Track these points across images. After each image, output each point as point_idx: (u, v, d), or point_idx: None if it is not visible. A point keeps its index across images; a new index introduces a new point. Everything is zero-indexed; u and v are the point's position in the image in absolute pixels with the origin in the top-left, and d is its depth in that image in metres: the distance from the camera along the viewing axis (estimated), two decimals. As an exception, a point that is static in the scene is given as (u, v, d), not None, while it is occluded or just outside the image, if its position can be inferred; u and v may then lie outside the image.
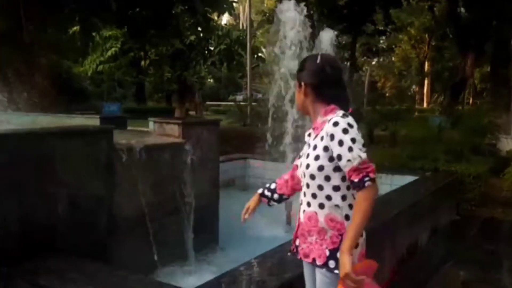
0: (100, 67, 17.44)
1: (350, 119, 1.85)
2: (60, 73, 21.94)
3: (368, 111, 12.67)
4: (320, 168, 1.88)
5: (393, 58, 41.01)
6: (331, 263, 1.87)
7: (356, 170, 1.78)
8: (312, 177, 1.92)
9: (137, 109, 19.93)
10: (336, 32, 6.75)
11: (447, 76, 32.78)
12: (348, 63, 20.53)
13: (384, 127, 11.49)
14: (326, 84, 1.95)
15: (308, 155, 1.95)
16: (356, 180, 1.78)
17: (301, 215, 2.01)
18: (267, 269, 2.75)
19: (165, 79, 21.52)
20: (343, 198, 1.90)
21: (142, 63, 16.66)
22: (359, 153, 1.78)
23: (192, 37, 16.21)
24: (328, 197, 1.89)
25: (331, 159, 1.86)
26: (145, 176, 3.57)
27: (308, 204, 1.96)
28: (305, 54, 6.99)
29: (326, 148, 1.86)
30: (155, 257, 3.66)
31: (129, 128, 5.26)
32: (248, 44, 14.38)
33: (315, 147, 1.92)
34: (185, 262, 4.08)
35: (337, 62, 2.06)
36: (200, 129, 4.21)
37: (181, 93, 20.38)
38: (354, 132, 1.81)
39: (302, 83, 1.98)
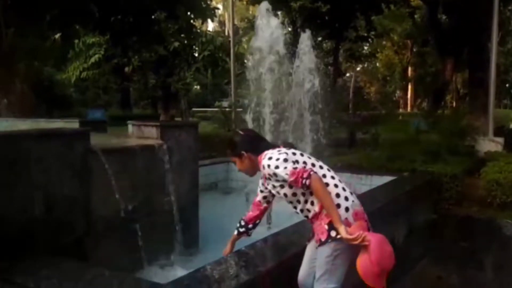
0: (84, 74, 17.35)
1: (268, 155, 2.47)
2: (42, 80, 21.77)
3: (350, 115, 12.85)
4: (286, 195, 2.54)
5: (377, 64, 41.49)
6: (332, 233, 2.37)
7: (295, 182, 2.37)
8: (291, 200, 2.57)
9: (122, 116, 19.84)
10: (310, 35, 6.85)
11: (429, 81, 33.28)
12: (332, 68, 20.79)
13: (365, 130, 11.66)
14: (256, 143, 2.63)
15: (273, 189, 2.62)
16: (300, 186, 2.38)
17: (308, 216, 2.57)
18: (242, 263, 2.82)
19: (150, 85, 21.49)
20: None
21: (126, 69, 16.60)
22: (285, 172, 2.38)
23: (176, 44, 16.26)
24: (305, 196, 2.51)
25: (288, 185, 2.49)
26: (123, 177, 3.61)
27: (307, 212, 2.55)
28: (284, 58, 7.15)
29: (281, 185, 2.52)
30: (134, 258, 3.70)
31: (109, 132, 5.29)
32: (232, 51, 14.45)
33: (274, 186, 2.57)
34: (166, 263, 4.12)
35: (247, 129, 2.99)
36: (178, 131, 4.27)
37: (166, 99, 20.36)
38: (273, 162, 2.43)
39: (243, 153, 2.60)
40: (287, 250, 3.10)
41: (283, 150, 2.53)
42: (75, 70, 17.60)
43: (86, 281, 2.42)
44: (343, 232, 2.30)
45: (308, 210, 2.52)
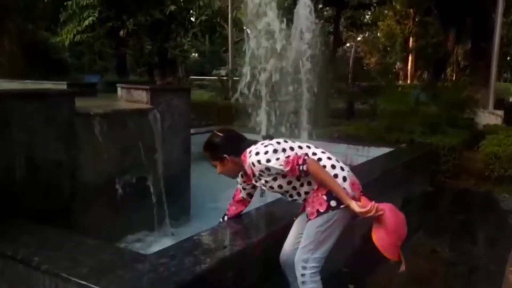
0: (78, 37, 16.84)
1: (255, 152, 2.32)
2: (37, 42, 21.21)
3: (349, 86, 12.62)
4: (281, 186, 2.40)
5: (378, 34, 40.79)
6: (332, 202, 2.29)
7: (291, 171, 2.25)
8: (286, 190, 2.44)
9: (119, 82, 19.39)
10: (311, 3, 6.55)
11: (430, 52, 32.81)
12: (332, 37, 20.35)
13: (364, 101, 11.49)
14: (237, 143, 2.45)
15: (265, 184, 2.44)
16: (298, 174, 2.27)
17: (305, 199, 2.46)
18: (232, 233, 2.72)
19: (146, 51, 21.00)
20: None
21: (121, 33, 16.12)
22: (278, 164, 2.24)
23: (172, 7, 15.74)
24: (308, 183, 2.39)
25: (281, 176, 2.35)
26: (110, 141, 3.47)
27: (306, 193, 2.42)
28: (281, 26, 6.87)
29: (275, 178, 2.36)
30: (121, 225, 3.60)
31: (99, 96, 5.11)
32: (229, 16, 14.03)
33: (267, 181, 2.39)
34: (153, 231, 4.03)
35: (226, 128, 2.68)
36: (169, 96, 4.10)
37: (162, 66, 19.94)
38: (263, 157, 2.27)
39: (225, 156, 2.42)
40: (280, 220, 3.00)
41: (267, 142, 2.38)
42: (69, 33, 17.03)
43: (66, 249, 2.31)
44: (355, 206, 2.23)
45: (306, 193, 2.41)
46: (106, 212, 3.52)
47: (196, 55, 40.96)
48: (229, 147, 2.44)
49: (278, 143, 2.38)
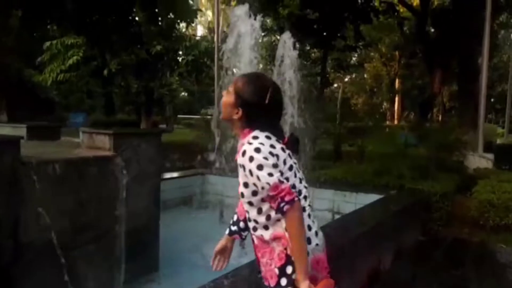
0: (61, 76, 16.56)
1: (259, 141, 1.77)
2: (23, 80, 20.90)
3: (336, 126, 12.39)
4: (242, 195, 1.85)
5: (365, 75, 41.50)
6: (283, 281, 1.81)
7: (271, 197, 1.73)
8: (250, 203, 1.86)
9: (106, 122, 19.08)
10: (294, 39, 6.36)
11: (416, 93, 33.30)
12: (319, 78, 20.44)
13: (351, 142, 11.22)
14: (264, 113, 1.83)
15: (239, 180, 1.86)
16: (275, 207, 1.74)
17: (254, 240, 1.93)
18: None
19: (134, 90, 20.83)
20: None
21: (105, 72, 15.89)
22: (267, 180, 1.71)
23: (158, 47, 15.65)
24: (268, 217, 1.84)
25: (254, 192, 1.81)
26: (60, 194, 3.04)
27: (254, 229, 1.89)
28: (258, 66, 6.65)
29: (245, 184, 1.82)
30: (73, 290, 3.12)
31: (62, 140, 4.71)
32: (216, 56, 13.92)
33: (239, 176, 1.85)
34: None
35: (274, 84, 1.90)
36: (136, 141, 3.71)
37: (148, 105, 19.69)
38: (261, 156, 1.73)
39: (239, 109, 1.83)
40: None
41: (278, 148, 1.82)
42: (52, 72, 16.76)
43: None
44: None
45: (255, 227, 1.88)
46: (52, 277, 3.04)
47: (186, 94, 41.05)
48: (252, 107, 1.81)
49: (284, 162, 1.84)
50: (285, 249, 1.80)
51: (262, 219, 1.84)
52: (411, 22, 22.04)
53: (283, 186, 1.72)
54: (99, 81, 18.88)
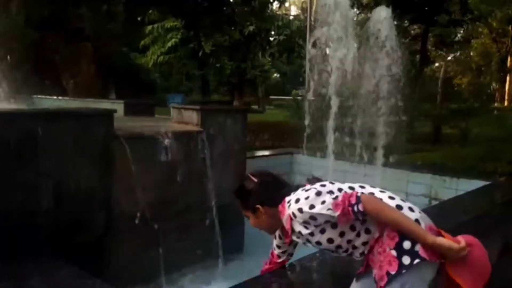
0: (161, 58, 17.50)
1: (295, 199, 1.80)
2: (129, 64, 22.48)
3: (436, 107, 11.48)
4: (331, 241, 1.81)
5: (471, 53, 38.07)
6: (405, 260, 1.66)
7: (343, 215, 1.71)
8: (338, 245, 1.83)
9: (202, 102, 19.97)
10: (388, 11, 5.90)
11: (532, 72, 29.78)
12: (418, 57, 19.11)
13: (453, 125, 10.32)
14: (274, 191, 1.90)
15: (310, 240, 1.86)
16: (352, 217, 1.71)
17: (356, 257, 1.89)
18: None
19: (227, 72, 21.35)
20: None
21: (200, 54, 16.41)
22: (325, 207, 1.71)
23: (251, 28, 15.72)
24: (367, 230, 1.79)
25: (330, 226, 1.78)
26: (150, 168, 3.12)
27: (354, 247, 1.84)
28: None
29: (323, 229, 1.80)
30: (160, 263, 3.21)
31: (156, 116, 4.88)
32: (307, 35, 13.64)
33: (312, 235, 1.82)
34: (202, 270, 3.60)
35: (262, 172, 2.04)
36: (222, 117, 3.68)
37: (240, 86, 20.03)
38: (304, 203, 1.75)
39: (258, 207, 1.91)
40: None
41: (307, 186, 1.84)
42: (153, 55, 17.81)
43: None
44: (445, 242, 1.62)
45: (364, 243, 1.80)
46: (143, 247, 3.15)
47: (278, 75, 41.16)
48: (264, 196, 1.92)
49: (323, 185, 1.81)
50: (383, 230, 1.72)
51: (357, 238, 1.81)
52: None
53: (339, 199, 1.72)
54: (196, 63, 19.60)
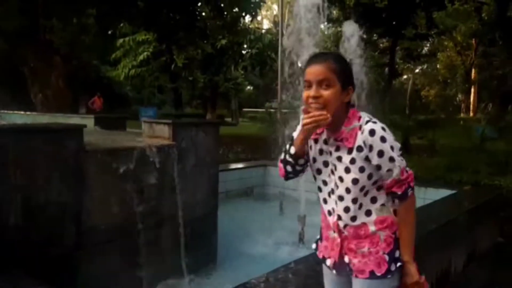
0: (132, 72, 17.42)
1: (381, 123, 1.66)
2: (100, 77, 22.25)
3: (405, 118, 11.79)
4: (355, 181, 1.67)
5: (437, 66, 39.29)
6: (393, 267, 1.72)
7: (398, 181, 1.66)
8: (348, 190, 1.70)
9: (174, 115, 19.97)
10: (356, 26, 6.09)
11: (495, 84, 30.93)
12: (387, 69, 19.65)
13: (421, 135, 10.60)
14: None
15: (335, 168, 1.70)
16: (399, 192, 1.69)
17: (342, 230, 1.76)
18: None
19: (199, 85, 21.37)
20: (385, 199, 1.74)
21: (172, 67, 16.42)
22: (400, 163, 1.64)
23: (223, 41, 15.85)
24: (373, 200, 1.72)
25: (370, 176, 1.67)
26: (121, 181, 3.10)
27: (353, 219, 1.73)
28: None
29: (361, 168, 1.66)
30: (133, 278, 3.18)
31: (127, 130, 4.85)
32: (279, 48, 13.84)
33: (352, 161, 1.66)
34: (173, 284, 3.57)
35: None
36: (194, 131, 3.70)
37: (213, 99, 20.07)
38: (391, 137, 1.64)
39: (351, 87, 1.68)
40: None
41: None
42: (125, 68, 17.70)
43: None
44: (414, 272, 1.72)
45: (354, 217, 1.71)
46: (115, 262, 3.11)
47: (251, 88, 41.46)
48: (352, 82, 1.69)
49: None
50: (393, 233, 1.74)
51: (367, 202, 1.71)
52: (490, 8, 20.45)
53: (409, 171, 1.70)
54: (168, 76, 19.56)
